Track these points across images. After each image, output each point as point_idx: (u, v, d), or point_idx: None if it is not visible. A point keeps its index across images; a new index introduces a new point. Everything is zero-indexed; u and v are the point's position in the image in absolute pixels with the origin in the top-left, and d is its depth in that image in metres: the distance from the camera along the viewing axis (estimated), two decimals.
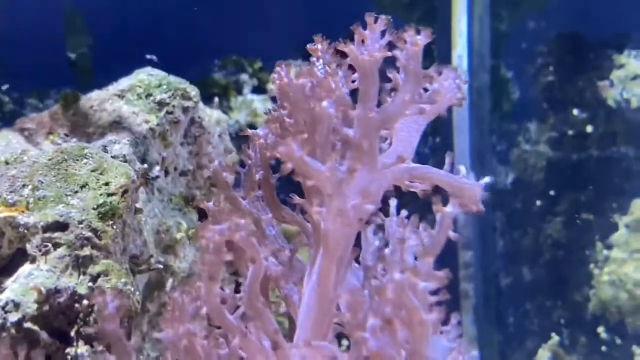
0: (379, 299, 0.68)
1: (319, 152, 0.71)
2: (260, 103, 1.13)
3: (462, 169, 0.72)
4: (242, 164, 1.02)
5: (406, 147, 0.76)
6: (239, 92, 1.13)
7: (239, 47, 1.14)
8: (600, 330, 1.15)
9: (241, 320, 0.71)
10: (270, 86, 1.16)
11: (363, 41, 0.72)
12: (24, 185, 0.79)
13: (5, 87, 1.01)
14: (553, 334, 1.15)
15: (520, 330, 1.14)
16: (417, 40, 0.73)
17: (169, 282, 0.87)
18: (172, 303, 0.68)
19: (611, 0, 1.28)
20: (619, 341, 1.13)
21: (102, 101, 0.93)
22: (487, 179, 0.70)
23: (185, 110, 0.93)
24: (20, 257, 0.78)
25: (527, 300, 1.16)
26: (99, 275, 0.75)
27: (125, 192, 0.78)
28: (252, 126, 1.14)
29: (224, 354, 0.69)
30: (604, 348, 1.14)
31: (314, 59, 0.75)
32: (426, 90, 0.75)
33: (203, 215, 0.97)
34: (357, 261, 0.78)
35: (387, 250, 0.75)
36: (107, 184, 0.79)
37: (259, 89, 1.14)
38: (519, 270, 1.17)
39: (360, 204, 0.71)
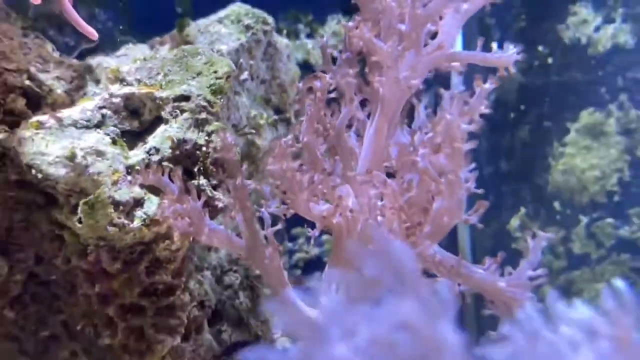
0: (431, 132, 0.63)
1: (383, 35, 0.66)
2: (311, 45, 1.08)
3: (494, 46, 0.66)
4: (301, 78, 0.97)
5: (446, 37, 0.71)
6: (297, 37, 1.08)
7: (297, 5, 1.08)
8: (556, 204, 1.10)
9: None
10: (327, 29, 1.11)
11: None
12: (157, 73, 0.75)
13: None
14: (521, 207, 1.09)
15: (498, 205, 1.09)
16: None
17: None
18: (278, 146, 0.63)
19: None
20: (568, 211, 1.08)
21: (206, 25, 0.89)
22: (514, 50, 0.64)
23: (265, 32, 0.89)
24: (156, 122, 0.73)
25: (503, 184, 1.11)
26: (211, 132, 0.70)
27: (228, 76, 0.74)
28: (306, 61, 1.08)
29: (315, 179, 0.64)
30: (558, 217, 1.09)
31: None
32: None
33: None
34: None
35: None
36: (215, 72, 0.75)
37: (310, 35, 1.09)
38: (498, 162, 1.12)
39: (409, 76, 0.67)
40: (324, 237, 0.69)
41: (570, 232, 1.09)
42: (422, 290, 0.31)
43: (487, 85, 0.66)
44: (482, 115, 0.66)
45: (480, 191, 0.61)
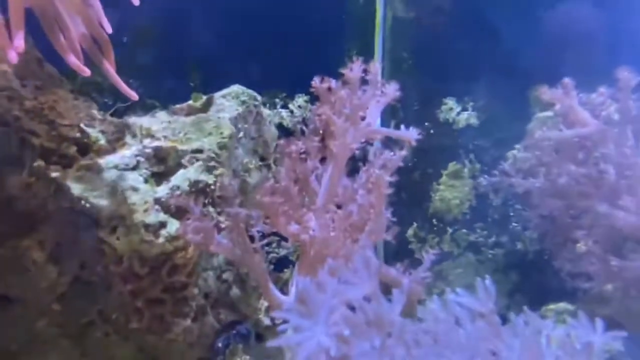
0: (366, 181, 0.63)
1: (336, 115, 0.65)
2: (284, 113, 1.06)
3: (402, 127, 0.68)
4: (278, 137, 0.95)
5: (371, 119, 0.72)
6: (275, 107, 1.07)
7: (274, 86, 1.08)
8: (434, 220, 1.14)
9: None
10: (295, 104, 1.09)
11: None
12: (179, 132, 0.70)
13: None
14: (414, 222, 1.12)
15: (399, 221, 1.11)
16: (374, 67, 0.68)
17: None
18: (264, 186, 0.60)
19: None
20: (441, 225, 1.13)
21: (214, 99, 0.84)
22: (415, 132, 0.67)
23: (255, 106, 0.86)
24: (178, 167, 0.68)
25: (403, 207, 1.12)
26: (218, 175, 0.66)
27: (231, 137, 0.70)
28: (281, 124, 1.06)
29: (289, 209, 0.62)
30: (435, 228, 1.13)
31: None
32: (382, 91, 0.71)
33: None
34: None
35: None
36: (221, 133, 0.71)
37: (284, 106, 1.08)
38: (400, 194, 1.13)
39: (351, 142, 0.66)
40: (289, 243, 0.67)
41: (442, 238, 1.14)
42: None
43: (403, 152, 0.67)
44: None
45: (396, 227, 0.63)
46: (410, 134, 0.68)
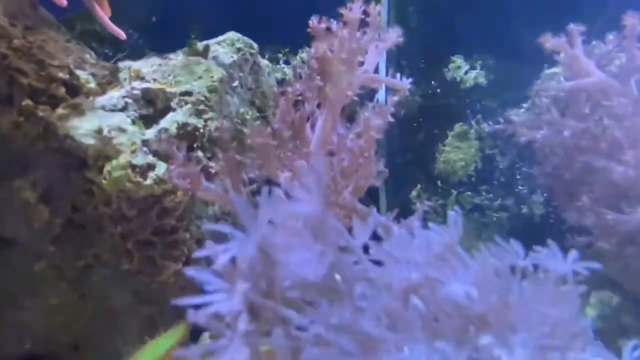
0: (359, 126, 0.59)
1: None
2: (286, 69, 1.02)
3: (397, 75, 0.64)
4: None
5: (369, 66, 0.66)
6: (277, 62, 1.03)
7: (277, 40, 1.04)
8: (438, 182, 1.09)
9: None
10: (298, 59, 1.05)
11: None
12: (169, 75, 0.66)
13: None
14: (418, 184, 1.08)
15: (403, 183, 1.07)
16: (375, 10, 0.63)
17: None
18: (257, 127, 0.57)
19: None
20: (445, 187, 1.08)
21: (209, 46, 0.79)
22: (408, 80, 0.63)
23: (251, 54, 0.81)
24: (167, 110, 0.65)
25: (408, 168, 1.09)
26: (207, 119, 0.63)
27: (221, 80, 0.66)
28: (283, 79, 1.02)
29: (282, 155, 0.59)
30: (439, 190, 1.09)
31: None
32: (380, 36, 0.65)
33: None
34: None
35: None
36: (212, 76, 0.67)
37: (286, 62, 1.03)
38: (405, 155, 1.09)
39: (347, 87, 0.62)
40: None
41: (447, 200, 1.10)
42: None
43: (395, 98, 0.63)
44: (394, 123, 0.65)
45: (386, 170, 0.60)
46: (403, 83, 0.64)
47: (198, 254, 0.24)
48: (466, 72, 1.08)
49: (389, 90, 0.72)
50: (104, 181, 0.60)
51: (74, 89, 0.67)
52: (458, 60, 1.08)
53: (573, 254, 0.31)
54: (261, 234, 0.25)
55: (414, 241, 0.30)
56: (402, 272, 0.27)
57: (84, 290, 0.72)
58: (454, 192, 1.07)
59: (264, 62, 0.89)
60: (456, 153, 1.06)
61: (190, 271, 0.24)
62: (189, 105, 0.65)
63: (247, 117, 0.81)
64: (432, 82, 1.07)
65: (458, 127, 1.08)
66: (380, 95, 0.81)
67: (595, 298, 0.72)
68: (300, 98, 0.63)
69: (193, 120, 0.65)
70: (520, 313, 0.25)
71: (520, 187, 1.05)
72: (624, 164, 0.72)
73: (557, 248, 0.31)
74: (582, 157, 0.77)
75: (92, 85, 0.68)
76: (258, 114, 0.86)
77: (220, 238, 0.25)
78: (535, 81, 0.96)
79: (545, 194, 0.97)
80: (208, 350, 0.22)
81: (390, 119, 0.63)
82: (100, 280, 0.72)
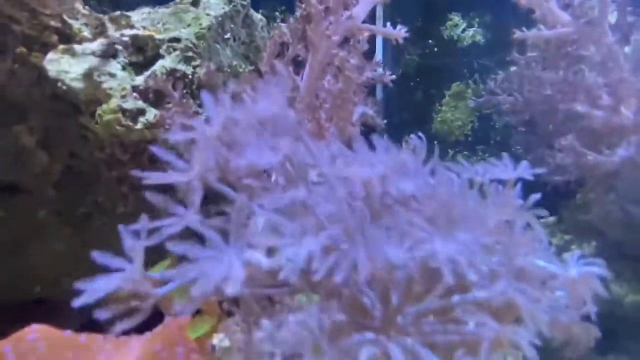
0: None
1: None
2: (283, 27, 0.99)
3: (388, 24, 0.62)
4: None
5: (358, 12, 0.64)
6: (274, 21, 1.03)
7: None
8: (435, 142, 1.08)
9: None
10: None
11: None
12: (157, 22, 0.65)
13: None
14: None
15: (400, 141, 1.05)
16: None
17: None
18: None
19: None
20: (442, 146, 1.08)
21: None
22: (402, 29, 0.61)
23: (243, 6, 0.79)
24: (156, 58, 0.65)
25: (405, 127, 1.07)
26: (196, 66, 0.62)
27: (209, 28, 0.65)
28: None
29: None
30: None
31: None
32: None
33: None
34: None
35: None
36: (200, 24, 0.66)
37: (283, 20, 1.02)
38: (402, 114, 1.07)
39: (332, 34, 0.60)
40: None
41: (443, 160, 1.09)
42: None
43: (366, 33, 0.62)
44: (393, 82, 0.64)
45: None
46: (398, 32, 0.61)
47: (164, 135, 0.26)
48: (463, 31, 1.04)
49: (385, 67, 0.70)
50: (96, 126, 0.61)
51: (67, 37, 0.68)
52: (455, 17, 1.04)
53: (523, 163, 0.32)
54: (221, 121, 0.26)
55: (377, 149, 0.31)
56: (362, 170, 0.28)
57: (86, 236, 0.75)
58: (451, 152, 1.06)
59: (257, 16, 0.87)
60: (453, 113, 1.04)
61: (154, 149, 0.26)
62: (177, 52, 0.65)
63: (240, 70, 0.81)
64: (430, 41, 1.04)
65: (455, 87, 1.06)
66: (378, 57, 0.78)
67: (576, 244, 0.72)
68: (286, 40, 0.62)
69: (182, 67, 0.65)
70: (464, 216, 0.26)
71: (516, 147, 1.03)
72: (603, 109, 0.71)
73: (509, 160, 0.32)
74: (563, 105, 0.76)
75: (85, 34, 0.68)
76: (251, 68, 0.85)
77: None
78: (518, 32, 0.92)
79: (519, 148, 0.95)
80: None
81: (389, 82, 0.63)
82: (102, 226, 0.75)
